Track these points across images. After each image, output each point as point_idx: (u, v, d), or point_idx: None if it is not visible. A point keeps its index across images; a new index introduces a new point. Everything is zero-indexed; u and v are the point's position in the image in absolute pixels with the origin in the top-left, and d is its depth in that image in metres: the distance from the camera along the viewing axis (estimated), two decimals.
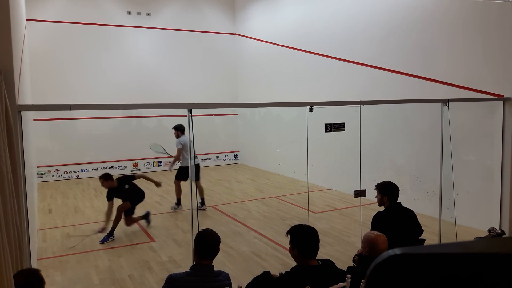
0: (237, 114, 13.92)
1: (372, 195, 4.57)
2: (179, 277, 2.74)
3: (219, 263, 5.05)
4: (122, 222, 6.51)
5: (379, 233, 3.19)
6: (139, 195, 6.84)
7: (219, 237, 2.92)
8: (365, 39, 8.40)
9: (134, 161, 12.19)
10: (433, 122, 6.47)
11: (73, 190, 10.04)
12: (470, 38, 6.33)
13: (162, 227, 6.83)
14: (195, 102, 4.33)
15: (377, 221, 4.02)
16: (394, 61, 7.72)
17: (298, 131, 6.83)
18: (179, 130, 7.76)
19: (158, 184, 7.03)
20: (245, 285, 2.87)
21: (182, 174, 7.77)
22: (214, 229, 2.99)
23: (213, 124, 12.99)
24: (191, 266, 2.83)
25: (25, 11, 9.35)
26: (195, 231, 4.03)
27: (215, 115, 13.00)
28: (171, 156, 8.02)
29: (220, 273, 2.86)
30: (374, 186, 4.26)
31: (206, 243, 2.82)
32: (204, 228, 3.09)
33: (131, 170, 12.10)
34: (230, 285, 2.83)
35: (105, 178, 6.44)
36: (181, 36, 12.95)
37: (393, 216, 4.06)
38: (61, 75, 11.36)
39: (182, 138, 7.70)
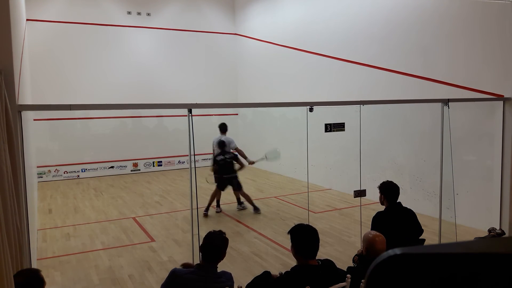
0: (237, 114, 13.92)
1: (372, 195, 4.57)
2: (182, 274, 2.76)
3: (220, 263, 5.05)
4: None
5: (377, 233, 3.19)
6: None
7: (225, 241, 2.89)
8: (365, 39, 8.40)
9: (134, 161, 12.19)
10: (433, 122, 6.47)
11: (73, 190, 10.04)
12: (470, 38, 6.33)
13: (162, 227, 6.82)
14: (195, 102, 4.33)
15: (377, 221, 4.02)
16: (394, 61, 7.72)
17: (298, 131, 6.82)
18: (220, 129, 7.83)
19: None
20: (245, 285, 2.87)
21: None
22: (214, 229, 2.99)
23: (213, 124, 12.97)
24: (196, 265, 2.84)
25: (25, 11, 9.35)
26: (195, 231, 4.03)
27: (215, 115, 12.99)
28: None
29: (223, 274, 2.87)
30: (375, 186, 4.27)
31: (209, 246, 2.82)
32: (216, 230, 3.06)
33: (131, 170, 12.10)
34: (232, 286, 2.84)
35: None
36: (181, 36, 12.95)
37: (393, 216, 4.06)
38: (61, 75, 11.36)
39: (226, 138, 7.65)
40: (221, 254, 2.84)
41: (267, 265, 5.10)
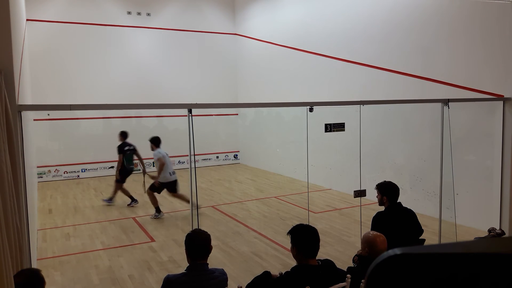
0: (237, 114, 13.93)
1: (372, 195, 4.57)
2: (176, 279, 2.76)
3: (220, 263, 5.05)
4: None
5: (378, 233, 3.19)
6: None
7: (208, 236, 2.92)
8: (365, 39, 8.40)
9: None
10: (433, 122, 6.47)
11: (73, 190, 10.04)
12: (470, 38, 6.33)
13: (162, 227, 6.82)
14: (195, 102, 4.32)
15: (377, 221, 4.02)
16: (394, 61, 7.72)
17: (298, 131, 6.83)
18: (153, 142, 7.63)
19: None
20: (245, 285, 2.87)
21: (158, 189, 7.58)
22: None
23: (213, 124, 12.99)
24: (187, 267, 2.85)
25: (25, 11, 9.35)
26: None
27: (215, 115, 13.00)
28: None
29: (215, 269, 2.89)
30: (375, 186, 4.26)
31: (196, 244, 2.83)
32: (195, 228, 3.13)
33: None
34: (226, 280, 2.88)
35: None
36: (181, 36, 12.95)
37: (393, 216, 4.06)
38: (61, 75, 11.36)
39: (160, 150, 7.53)
40: (209, 249, 2.86)
41: (267, 265, 5.10)
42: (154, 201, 7.47)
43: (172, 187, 7.53)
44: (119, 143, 8.56)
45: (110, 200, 8.41)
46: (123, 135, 8.57)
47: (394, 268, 0.53)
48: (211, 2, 13.44)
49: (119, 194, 8.40)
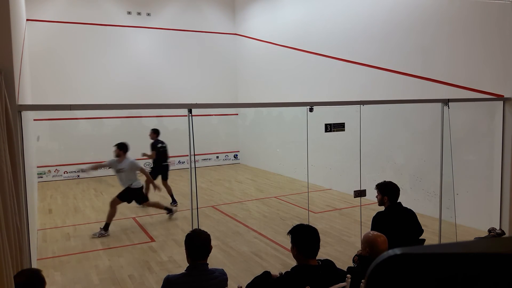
0: (237, 114, 13.92)
1: (372, 195, 4.57)
2: (176, 279, 2.76)
3: (220, 263, 5.05)
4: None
5: (379, 233, 3.19)
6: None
7: (208, 236, 2.92)
8: (365, 39, 8.39)
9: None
10: (433, 122, 6.47)
11: (73, 190, 10.04)
12: (470, 38, 6.33)
13: (162, 227, 6.82)
14: (195, 102, 4.33)
15: (377, 221, 4.02)
16: (394, 61, 7.72)
17: (298, 131, 6.83)
18: (122, 149, 7.18)
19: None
20: (245, 285, 2.87)
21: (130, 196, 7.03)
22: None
23: (213, 124, 12.99)
24: (187, 267, 2.85)
25: (25, 11, 9.35)
26: None
27: (215, 115, 12.99)
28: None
29: (215, 269, 2.89)
30: (375, 186, 4.26)
31: (196, 244, 2.83)
32: (195, 228, 3.14)
33: None
34: (226, 280, 2.88)
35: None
36: (181, 36, 12.95)
37: (393, 216, 4.06)
38: (61, 75, 11.36)
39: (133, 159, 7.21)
40: (209, 249, 2.86)
41: (267, 265, 5.10)
42: (112, 215, 6.59)
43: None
44: (151, 140, 8.44)
45: (174, 202, 8.13)
46: (156, 132, 8.43)
47: (394, 268, 0.53)
48: (211, 2, 13.44)
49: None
